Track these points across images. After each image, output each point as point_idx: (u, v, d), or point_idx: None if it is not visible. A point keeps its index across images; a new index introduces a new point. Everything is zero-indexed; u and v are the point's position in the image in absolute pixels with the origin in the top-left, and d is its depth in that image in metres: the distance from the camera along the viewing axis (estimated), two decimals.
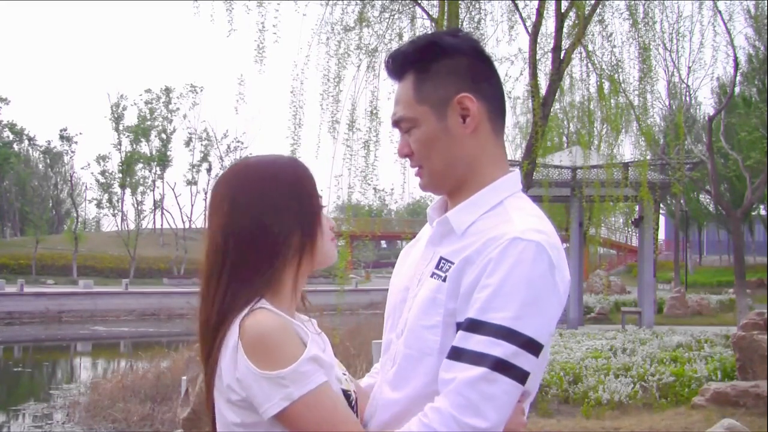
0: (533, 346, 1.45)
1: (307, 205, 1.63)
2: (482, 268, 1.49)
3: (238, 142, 61.03)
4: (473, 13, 11.55)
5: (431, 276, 1.58)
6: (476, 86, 1.62)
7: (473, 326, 1.45)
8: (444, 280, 1.54)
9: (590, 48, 11.69)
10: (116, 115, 54.88)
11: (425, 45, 1.65)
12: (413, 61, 1.64)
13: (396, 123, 1.67)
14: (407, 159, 1.69)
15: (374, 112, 11.08)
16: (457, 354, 1.45)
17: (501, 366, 1.42)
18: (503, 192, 1.62)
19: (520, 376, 1.44)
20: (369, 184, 11.02)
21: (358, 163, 10.99)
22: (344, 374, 1.65)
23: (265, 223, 1.58)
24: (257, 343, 1.47)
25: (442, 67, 1.62)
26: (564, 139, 23.88)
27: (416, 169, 1.68)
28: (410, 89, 1.64)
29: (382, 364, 1.71)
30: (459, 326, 1.50)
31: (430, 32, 2.00)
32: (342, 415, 1.50)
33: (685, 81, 27.10)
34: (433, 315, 1.54)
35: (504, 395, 1.42)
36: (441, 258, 1.58)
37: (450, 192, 1.68)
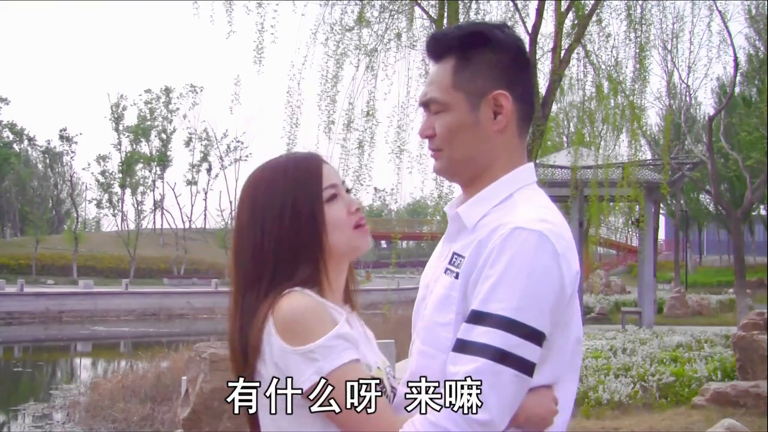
0: (536, 337, 1.44)
1: (303, 199, 1.59)
2: (485, 259, 1.49)
3: (238, 142, 61.24)
4: (473, 13, 11.53)
5: (445, 272, 1.58)
6: (513, 86, 1.61)
7: (476, 317, 1.46)
8: (457, 276, 1.54)
9: (589, 48, 11.68)
10: (116, 115, 54.98)
11: (472, 32, 1.64)
12: (457, 46, 1.62)
13: (425, 104, 1.65)
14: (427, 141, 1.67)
15: (370, 112, 11.05)
16: (461, 346, 1.46)
17: (503, 357, 1.42)
18: (514, 185, 1.61)
19: (523, 366, 1.43)
20: (362, 184, 10.99)
21: (352, 163, 10.96)
22: (382, 368, 1.60)
23: (267, 225, 1.58)
24: (288, 322, 1.49)
25: (485, 59, 1.61)
26: (564, 139, 23.89)
27: (433, 151, 1.66)
28: (449, 73, 1.62)
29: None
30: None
31: (479, 21, 1.93)
32: None
33: (685, 81, 27.13)
34: (446, 312, 1.55)
35: (508, 386, 1.42)
36: (454, 253, 1.59)
37: (463, 183, 1.67)
